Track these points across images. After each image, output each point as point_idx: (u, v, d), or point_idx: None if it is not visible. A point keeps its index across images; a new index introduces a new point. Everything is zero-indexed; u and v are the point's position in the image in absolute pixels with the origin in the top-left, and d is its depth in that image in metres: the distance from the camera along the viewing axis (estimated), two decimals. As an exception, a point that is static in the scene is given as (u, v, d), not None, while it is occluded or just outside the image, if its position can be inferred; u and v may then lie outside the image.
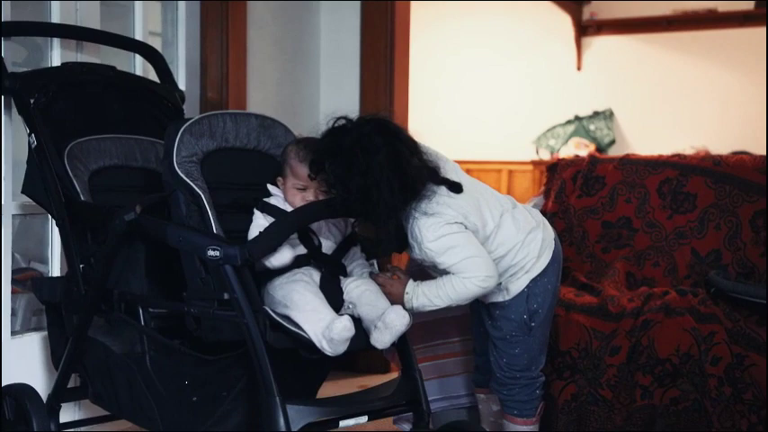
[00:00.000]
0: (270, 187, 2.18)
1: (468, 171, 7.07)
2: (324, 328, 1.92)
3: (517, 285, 2.18)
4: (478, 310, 2.30)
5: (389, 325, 1.97)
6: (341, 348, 1.92)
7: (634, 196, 2.93)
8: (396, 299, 2.09)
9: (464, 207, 2.08)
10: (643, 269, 2.83)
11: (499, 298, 2.20)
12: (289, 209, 2.11)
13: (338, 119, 2.06)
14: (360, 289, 2.06)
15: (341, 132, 2.03)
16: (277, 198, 2.16)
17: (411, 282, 2.11)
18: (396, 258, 2.93)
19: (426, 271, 2.18)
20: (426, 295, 2.08)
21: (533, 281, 2.19)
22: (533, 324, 2.21)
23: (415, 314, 2.11)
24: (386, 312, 1.98)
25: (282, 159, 2.17)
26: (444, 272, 2.08)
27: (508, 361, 2.24)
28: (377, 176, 1.96)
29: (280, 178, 2.17)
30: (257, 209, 2.11)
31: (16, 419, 2.33)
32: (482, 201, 2.13)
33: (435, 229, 2.04)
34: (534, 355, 2.25)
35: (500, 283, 2.15)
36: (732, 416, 2.29)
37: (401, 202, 2.00)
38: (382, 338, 1.98)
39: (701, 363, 2.32)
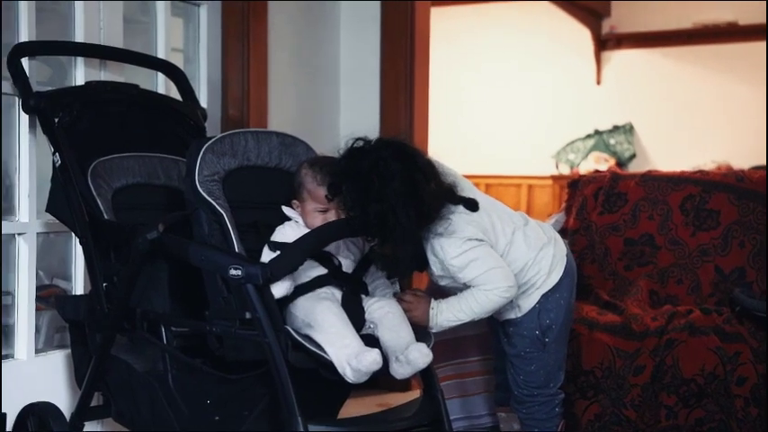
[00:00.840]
0: (286, 210, 2.17)
1: (487, 186, 7.05)
2: (349, 355, 1.91)
3: (528, 302, 2.19)
4: (496, 329, 2.30)
5: (412, 362, 1.97)
6: (363, 378, 1.92)
7: (656, 213, 2.91)
8: (420, 319, 2.10)
9: (481, 223, 2.11)
10: (666, 287, 2.81)
11: (512, 315, 2.21)
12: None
13: (357, 140, 2.07)
14: (383, 311, 2.06)
15: (359, 155, 2.05)
16: (290, 224, 2.14)
17: (434, 300, 2.12)
18: (417, 278, 2.92)
19: (445, 290, 2.18)
20: (450, 310, 2.10)
21: (544, 296, 2.19)
22: (547, 340, 2.21)
23: (436, 332, 2.12)
24: (409, 349, 1.98)
25: (297, 183, 2.16)
26: (466, 287, 2.09)
27: (525, 378, 2.24)
28: (393, 202, 1.98)
29: (295, 201, 2.17)
30: (268, 248, 2.08)
31: (39, 438, 2.34)
32: (495, 217, 2.16)
33: (457, 245, 2.06)
34: (551, 371, 2.24)
35: (512, 301, 2.16)
36: (758, 437, 2.27)
37: (418, 226, 2.03)
38: (402, 372, 1.99)
39: (726, 383, 2.29)
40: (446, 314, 2.10)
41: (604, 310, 2.60)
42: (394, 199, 1.98)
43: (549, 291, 2.19)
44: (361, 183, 2.00)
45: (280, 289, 1.99)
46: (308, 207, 2.14)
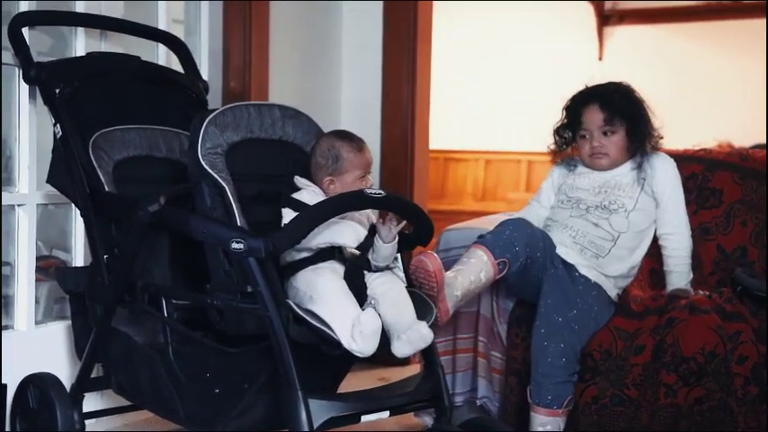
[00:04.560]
0: (299, 180, 2.17)
1: (487, 161, 7.03)
2: (353, 327, 1.91)
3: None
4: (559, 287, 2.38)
5: (413, 341, 1.98)
6: (370, 346, 1.92)
7: (659, 191, 2.89)
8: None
9: None
10: (667, 266, 2.80)
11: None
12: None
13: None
14: (385, 287, 2.06)
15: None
16: (308, 191, 2.14)
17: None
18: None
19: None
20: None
21: None
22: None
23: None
24: (411, 329, 1.99)
25: (332, 156, 2.15)
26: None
27: (577, 337, 2.33)
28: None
29: (328, 178, 2.15)
30: (284, 206, 2.10)
31: (40, 408, 2.34)
32: None
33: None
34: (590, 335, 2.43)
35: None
36: (758, 415, 2.27)
37: None
38: (403, 350, 1.99)
39: (726, 362, 2.29)
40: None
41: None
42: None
43: None
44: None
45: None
46: (348, 178, 2.14)
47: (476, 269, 2.28)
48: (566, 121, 2.63)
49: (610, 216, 2.49)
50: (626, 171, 2.57)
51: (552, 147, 2.66)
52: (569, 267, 2.42)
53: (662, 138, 2.64)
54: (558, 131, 2.65)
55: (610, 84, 2.61)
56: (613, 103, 2.54)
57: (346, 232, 2.07)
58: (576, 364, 2.34)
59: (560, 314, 2.33)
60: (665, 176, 2.58)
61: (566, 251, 2.44)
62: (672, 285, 2.58)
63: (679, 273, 2.59)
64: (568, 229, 2.49)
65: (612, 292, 2.46)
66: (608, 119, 2.53)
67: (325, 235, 2.04)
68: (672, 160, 2.64)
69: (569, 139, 2.63)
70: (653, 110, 2.62)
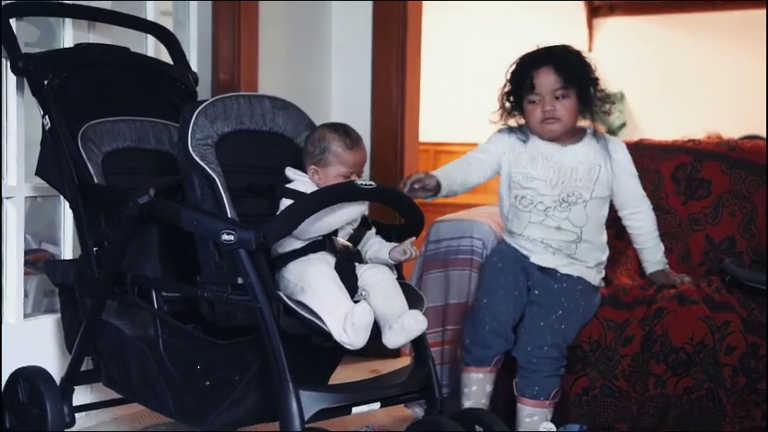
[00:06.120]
0: (290, 172, 2.16)
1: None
2: (345, 319, 1.91)
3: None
4: (541, 282, 2.38)
5: (406, 329, 1.97)
6: (361, 339, 1.92)
7: (648, 182, 2.89)
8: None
9: None
10: (656, 256, 2.81)
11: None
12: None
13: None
14: (376, 278, 2.05)
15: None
16: (300, 181, 2.14)
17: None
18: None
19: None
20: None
21: None
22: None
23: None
24: (404, 317, 1.98)
25: (321, 147, 2.13)
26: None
27: (563, 332, 2.32)
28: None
29: (313, 167, 2.15)
30: (281, 196, 2.09)
31: (29, 402, 2.33)
32: None
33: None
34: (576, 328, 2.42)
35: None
36: (746, 405, 2.28)
37: None
38: (396, 340, 1.98)
39: (715, 352, 2.31)
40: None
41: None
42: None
43: None
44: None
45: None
46: (332, 172, 2.12)
47: (481, 391, 2.37)
48: (512, 86, 2.47)
49: (569, 212, 2.41)
50: (582, 157, 2.45)
51: (497, 117, 2.50)
52: (548, 271, 2.41)
53: (613, 103, 2.52)
54: (505, 98, 2.48)
55: (560, 46, 2.46)
56: (568, 66, 2.40)
57: (335, 220, 2.07)
58: (562, 360, 2.34)
59: (543, 319, 2.33)
60: (625, 157, 2.51)
61: (540, 258, 2.42)
62: (648, 263, 2.59)
63: (651, 248, 2.58)
64: (532, 239, 2.43)
65: (597, 279, 2.47)
66: (562, 82, 2.38)
67: (317, 226, 2.03)
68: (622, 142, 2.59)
69: (515, 106, 2.47)
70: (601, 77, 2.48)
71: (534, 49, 2.47)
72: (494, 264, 2.46)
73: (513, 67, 2.48)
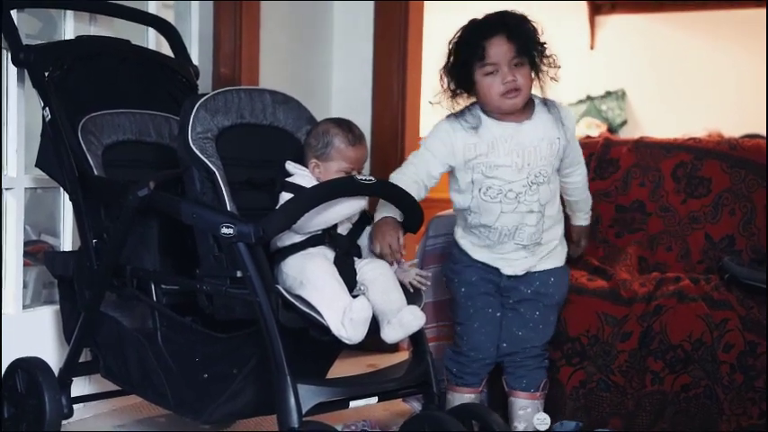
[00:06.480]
0: (291, 166, 2.16)
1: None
2: (344, 314, 1.92)
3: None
4: (514, 284, 2.35)
5: (405, 324, 1.98)
6: (359, 334, 1.92)
7: (648, 180, 2.90)
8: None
9: None
10: (656, 254, 2.81)
11: (562, 263, 2.44)
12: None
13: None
14: (374, 273, 2.05)
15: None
16: (300, 175, 2.14)
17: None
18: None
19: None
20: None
21: None
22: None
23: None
24: (402, 312, 1.99)
25: (323, 142, 2.13)
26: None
27: (544, 328, 2.35)
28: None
29: (314, 161, 2.15)
30: (281, 190, 2.09)
31: (28, 393, 2.34)
32: None
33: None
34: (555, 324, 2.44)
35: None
36: (743, 403, 2.29)
37: None
38: (394, 335, 1.99)
39: (713, 349, 2.31)
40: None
41: (594, 275, 2.61)
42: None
43: None
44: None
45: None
46: (333, 167, 2.12)
47: None
48: (460, 57, 2.24)
49: (539, 193, 2.27)
50: (542, 133, 2.28)
51: (441, 96, 2.28)
52: (520, 279, 2.35)
53: (559, 67, 2.32)
54: (450, 73, 2.26)
55: (508, 12, 2.28)
56: (522, 33, 2.23)
57: (335, 215, 2.07)
58: (545, 353, 2.37)
59: (521, 327, 2.35)
60: (572, 121, 2.38)
61: (512, 269, 2.33)
62: (580, 213, 2.54)
63: (584, 199, 2.52)
64: (504, 234, 2.29)
65: (563, 256, 2.42)
66: (518, 50, 2.20)
67: (316, 220, 2.03)
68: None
69: (461, 82, 2.25)
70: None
71: (480, 17, 2.29)
72: (460, 293, 2.38)
73: (458, 37, 2.26)
